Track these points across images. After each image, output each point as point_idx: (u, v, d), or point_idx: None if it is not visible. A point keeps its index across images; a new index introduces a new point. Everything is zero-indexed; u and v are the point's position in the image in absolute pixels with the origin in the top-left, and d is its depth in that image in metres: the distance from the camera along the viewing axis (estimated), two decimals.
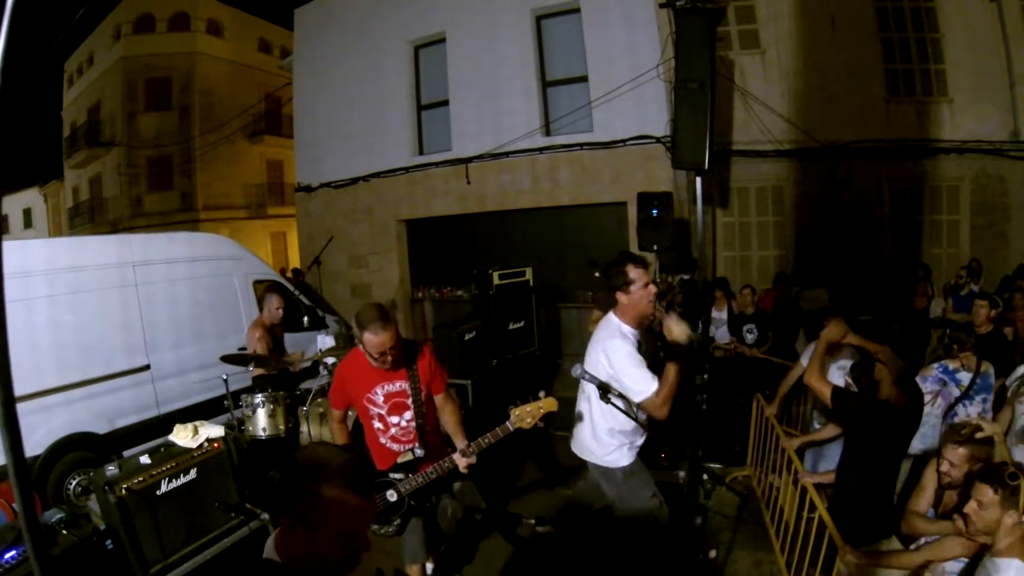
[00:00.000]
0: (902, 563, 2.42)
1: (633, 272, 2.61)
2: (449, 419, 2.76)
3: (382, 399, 2.63)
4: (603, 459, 2.79)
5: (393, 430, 2.66)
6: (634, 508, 2.79)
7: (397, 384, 2.63)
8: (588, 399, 2.80)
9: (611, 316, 2.71)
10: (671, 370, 2.49)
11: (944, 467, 2.41)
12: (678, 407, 2.59)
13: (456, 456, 2.49)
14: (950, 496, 2.47)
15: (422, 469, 2.55)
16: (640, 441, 2.83)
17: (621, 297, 2.64)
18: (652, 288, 2.63)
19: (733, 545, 3.63)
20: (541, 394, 2.45)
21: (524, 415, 2.39)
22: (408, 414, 2.66)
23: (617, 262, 2.70)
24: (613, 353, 2.58)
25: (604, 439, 2.76)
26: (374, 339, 2.40)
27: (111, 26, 19.22)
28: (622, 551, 2.98)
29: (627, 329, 2.65)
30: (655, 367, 2.58)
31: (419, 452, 2.61)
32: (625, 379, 2.52)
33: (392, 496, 2.47)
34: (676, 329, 2.54)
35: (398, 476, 2.53)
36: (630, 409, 2.57)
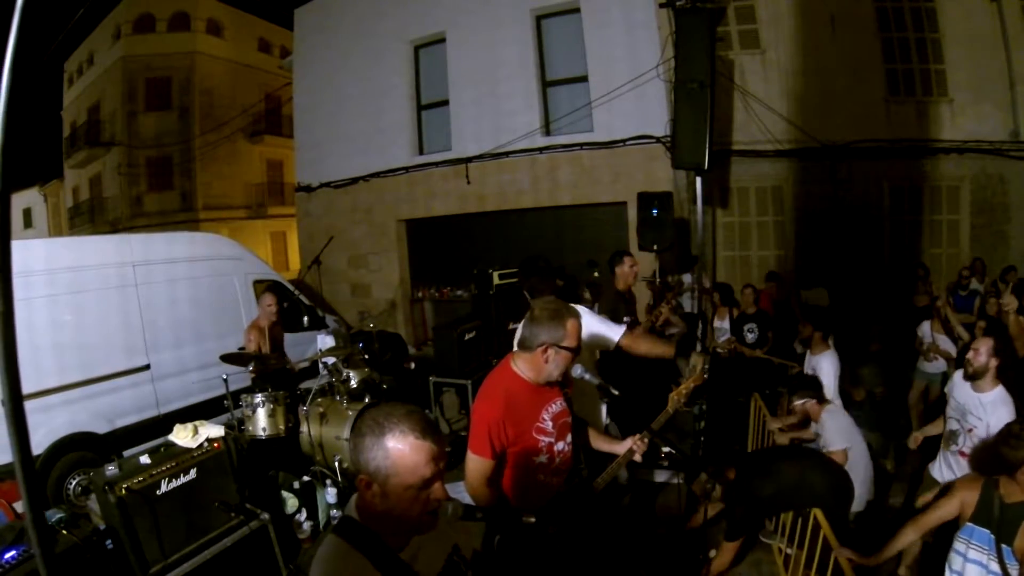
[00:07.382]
0: (895, 547, 2.50)
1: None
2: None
3: (551, 424, 2.12)
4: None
5: (558, 460, 2.16)
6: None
7: (558, 403, 2.15)
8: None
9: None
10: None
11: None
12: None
13: (636, 446, 2.22)
14: None
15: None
16: None
17: None
18: None
19: None
20: (696, 360, 2.49)
21: (680, 395, 2.34)
22: (569, 436, 2.19)
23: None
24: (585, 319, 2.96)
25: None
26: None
27: (111, 26, 19.24)
28: (622, 546, 3.01)
29: (583, 308, 3.05)
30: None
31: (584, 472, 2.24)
32: (600, 331, 2.94)
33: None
34: None
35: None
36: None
